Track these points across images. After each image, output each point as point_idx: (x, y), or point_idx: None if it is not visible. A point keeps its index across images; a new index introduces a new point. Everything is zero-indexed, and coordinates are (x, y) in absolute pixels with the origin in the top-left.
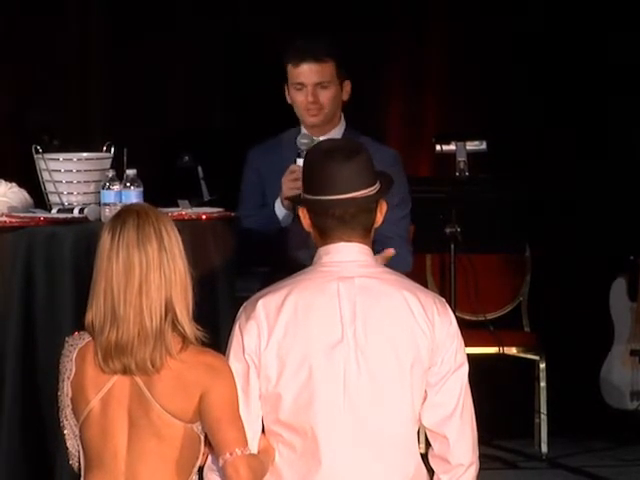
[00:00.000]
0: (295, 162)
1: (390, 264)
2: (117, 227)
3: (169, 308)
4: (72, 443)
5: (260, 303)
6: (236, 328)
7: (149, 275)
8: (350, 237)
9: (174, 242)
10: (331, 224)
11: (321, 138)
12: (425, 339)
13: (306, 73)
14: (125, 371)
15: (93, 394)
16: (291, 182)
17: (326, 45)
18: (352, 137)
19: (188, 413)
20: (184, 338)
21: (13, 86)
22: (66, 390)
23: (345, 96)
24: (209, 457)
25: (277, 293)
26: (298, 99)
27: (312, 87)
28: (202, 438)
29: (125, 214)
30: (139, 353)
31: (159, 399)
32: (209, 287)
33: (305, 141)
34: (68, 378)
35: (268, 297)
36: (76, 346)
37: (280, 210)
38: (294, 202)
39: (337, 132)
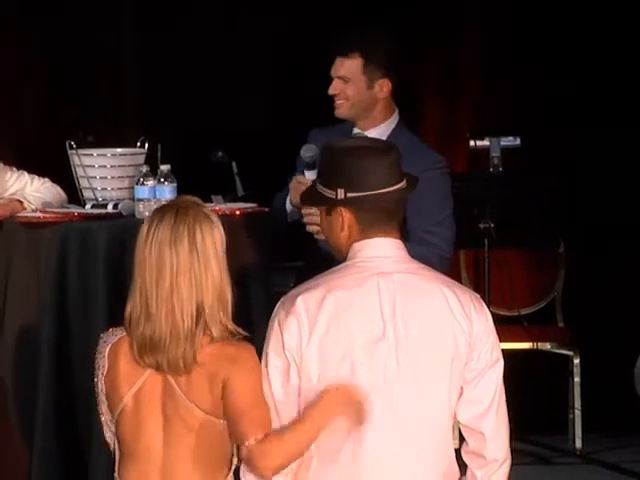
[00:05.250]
0: (303, 174)
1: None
2: (154, 222)
3: (200, 311)
4: (110, 436)
5: (300, 299)
6: (275, 324)
7: (179, 277)
8: (389, 232)
9: (208, 244)
10: (378, 219)
11: (366, 133)
12: (463, 335)
13: (335, 66)
14: (158, 367)
15: (126, 390)
16: (297, 191)
17: (357, 40)
18: (400, 135)
19: (219, 408)
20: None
21: (47, 83)
22: (100, 386)
23: (380, 94)
24: None
25: (317, 289)
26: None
27: (335, 80)
28: None
29: (165, 209)
30: (171, 351)
31: (189, 395)
32: (243, 283)
33: (310, 154)
34: (102, 374)
35: (308, 293)
36: (109, 343)
37: (289, 206)
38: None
39: (386, 128)
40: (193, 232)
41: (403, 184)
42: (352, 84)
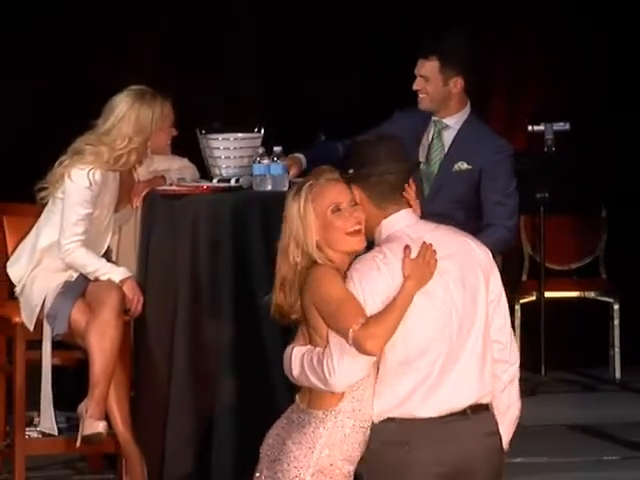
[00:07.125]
0: None
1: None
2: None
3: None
4: None
5: (379, 260)
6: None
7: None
8: (399, 203)
9: (291, 207)
10: (383, 191)
11: (443, 121)
12: (487, 267)
13: (417, 66)
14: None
15: None
16: None
17: (435, 44)
18: (473, 123)
19: (321, 325)
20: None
21: (188, 86)
22: None
23: (454, 90)
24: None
25: (388, 257)
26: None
27: (418, 78)
28: None
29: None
30: (286, 298)
31: (304, 315)
32: None
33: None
34: None
35: (384, 257)
36: None
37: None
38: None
39: (459, 117)
40: (287, 197)
41: (402, 164)
42: (431, 82)
